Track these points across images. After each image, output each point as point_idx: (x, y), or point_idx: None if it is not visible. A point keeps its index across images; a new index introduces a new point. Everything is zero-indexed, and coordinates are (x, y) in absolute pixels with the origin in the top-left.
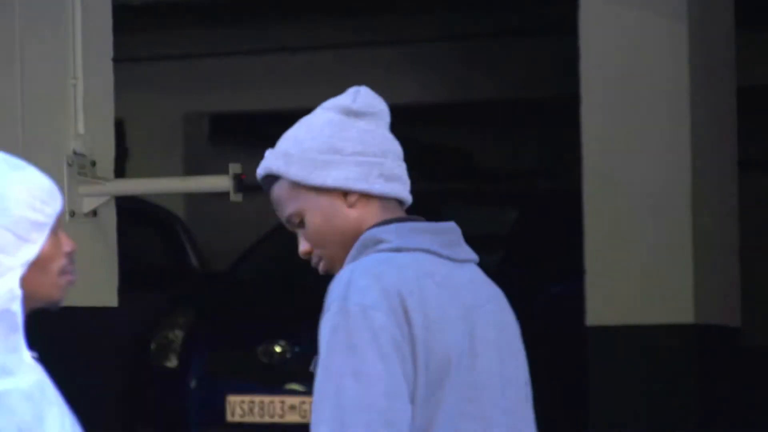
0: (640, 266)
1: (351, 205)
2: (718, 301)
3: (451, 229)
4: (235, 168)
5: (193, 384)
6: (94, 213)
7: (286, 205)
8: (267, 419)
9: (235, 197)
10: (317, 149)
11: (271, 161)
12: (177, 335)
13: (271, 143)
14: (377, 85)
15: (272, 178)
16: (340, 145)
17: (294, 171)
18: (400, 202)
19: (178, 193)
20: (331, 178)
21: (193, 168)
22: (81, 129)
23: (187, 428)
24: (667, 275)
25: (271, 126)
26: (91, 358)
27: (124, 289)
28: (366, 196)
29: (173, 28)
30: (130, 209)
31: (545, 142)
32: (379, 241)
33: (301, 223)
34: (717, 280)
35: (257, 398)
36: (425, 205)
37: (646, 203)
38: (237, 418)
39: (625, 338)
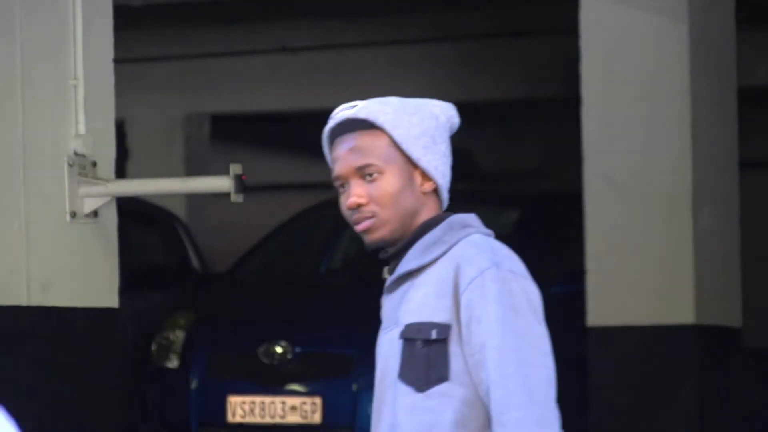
0: (640, 266)
1: (424, 191)
2: (719, 302)
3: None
4: (235, 168)
5: (193, 384)
6: (95, 214)
7: (373, 155)
8: (268, 420)
9: (236, 198)
10: (423, 131)
11: (379, 113)
12: (177, 335)
13: (272, 143)
14: (377, 85)
15: (364, 125)
16: (438, 140)
17: (399, 133)
18: None
19: (178, 193)
20: (425, 160)
21: (193, 168)
22: (82, 129)
23: (187, 429)
24: (667, 275)
25: (272, 126)
26: (92, 358)
27: (124, 289)
28: (435, 191)
29: (173, 29)
30: (130, 210)
31: (545, 142)
32: (467, 226)
33: (371, 177)
34: (717, 280)
35: (258, 399)
36: None
37: (646, 204)
38: (238, 419)
39: (625, 338)
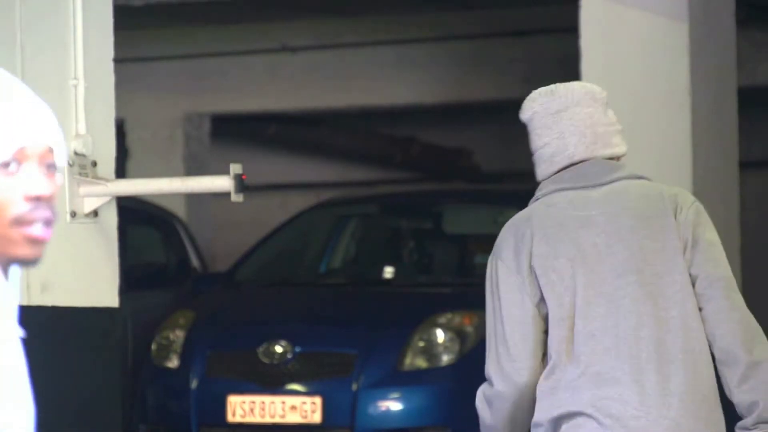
0: None
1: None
2: None
3: (588, 164)
4: (235, 168)
5: (193, 384)
6: (95, 213)
7: None
8: (268, 420)
9: (236, 197)
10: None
11: None
12: (177, 335)
13: (272, 143)
14: (377, 85)
15: None
16: (531, 148)
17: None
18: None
19: (178, 193)
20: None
21: (193, 168)
22: (82, 129)
23: (187, 429)
24: None
25: (272, 126)
26: (92, 358)
27: (124, 289)
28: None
29: (173, 28)
30: (130, 210)
31: None
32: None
33: None
34: None
35: (258, 399)
36: (426, 204)
37: None
38: (238, 419)
39: None
